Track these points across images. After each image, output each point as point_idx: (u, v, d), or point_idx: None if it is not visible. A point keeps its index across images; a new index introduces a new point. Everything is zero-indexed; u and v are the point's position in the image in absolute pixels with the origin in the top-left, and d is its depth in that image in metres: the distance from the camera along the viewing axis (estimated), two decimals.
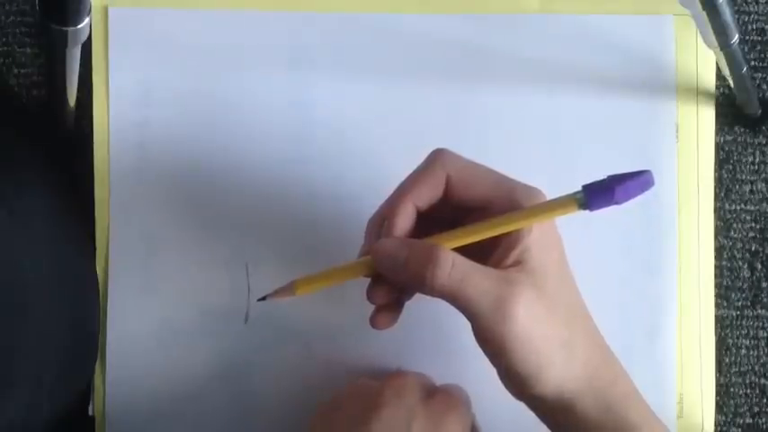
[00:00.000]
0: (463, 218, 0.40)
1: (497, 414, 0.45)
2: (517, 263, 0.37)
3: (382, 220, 0.40)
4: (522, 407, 0.39)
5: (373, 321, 0.40)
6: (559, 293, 0.38)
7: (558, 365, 0.37)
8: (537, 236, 0.37)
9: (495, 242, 0.38)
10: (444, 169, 0.39)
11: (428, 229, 0.39)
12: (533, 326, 0.36)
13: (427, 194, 0.39)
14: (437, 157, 0.39)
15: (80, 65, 0.42)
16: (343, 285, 0.40)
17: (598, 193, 0.36)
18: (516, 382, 0.37)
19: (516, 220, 0.37)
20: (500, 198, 0.38)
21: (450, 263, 0.36)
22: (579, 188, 0.37)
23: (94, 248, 0.47)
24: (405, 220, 0.39)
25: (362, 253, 0.41)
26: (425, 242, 0.38)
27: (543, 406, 0.39)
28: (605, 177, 0.36)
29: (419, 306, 0.41)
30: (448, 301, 0.37)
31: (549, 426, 0.40)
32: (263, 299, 0.41)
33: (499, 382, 0.39)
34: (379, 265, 0.38)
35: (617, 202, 0.36)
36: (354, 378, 0.44)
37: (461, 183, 0.39)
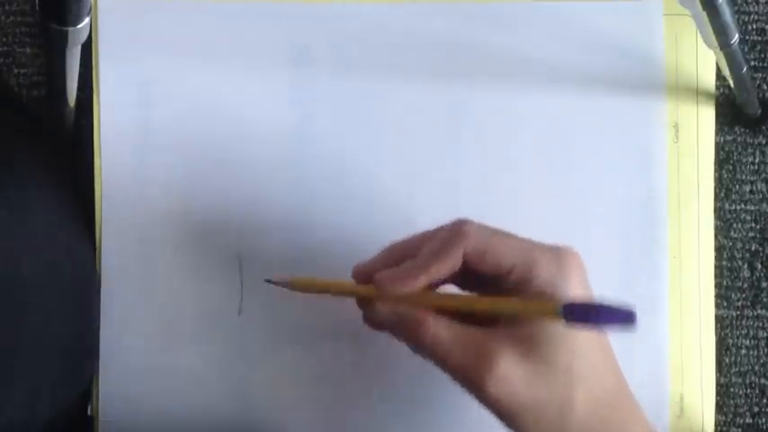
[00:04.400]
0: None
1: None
2: (511, 323, 0.38)
3: (398, 260, 0.40)
4: None
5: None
6: (556, 356, 0.37)
7: (548, 420, 0.38)
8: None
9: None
10: (462, 247, 0.38)
11: None
12: (509, 390, 0.37)
13: (444, 272, 0.39)
14: (457, 236, 0.39)
15: (80, 65, 0.42)
16: None
17: (577, 316, 0.36)
18: None
19: (497, 306, 0.38)
20: (519, 271, 0.38)
21: (431, 338, 0.38)
22: (563, 303, 0.36)
23: (95, 247, 0.47)
24: (417, 287, 0.39)
25: (364, 270, 0.41)
26: (413, 315, 0.39)
27: None
28: (595, 303, 0.36)
29: None
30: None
31: None
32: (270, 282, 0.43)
33: None
34: (374, 325, 0.40)
35: (595, 329, 0.37)
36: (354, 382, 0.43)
37: (478, 258, 0.38)
